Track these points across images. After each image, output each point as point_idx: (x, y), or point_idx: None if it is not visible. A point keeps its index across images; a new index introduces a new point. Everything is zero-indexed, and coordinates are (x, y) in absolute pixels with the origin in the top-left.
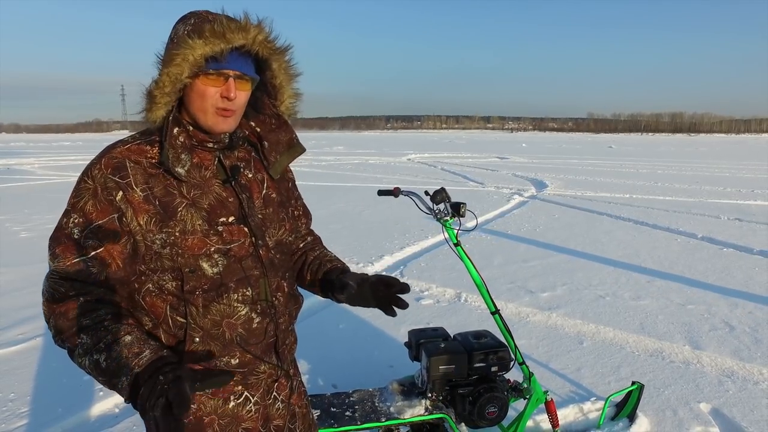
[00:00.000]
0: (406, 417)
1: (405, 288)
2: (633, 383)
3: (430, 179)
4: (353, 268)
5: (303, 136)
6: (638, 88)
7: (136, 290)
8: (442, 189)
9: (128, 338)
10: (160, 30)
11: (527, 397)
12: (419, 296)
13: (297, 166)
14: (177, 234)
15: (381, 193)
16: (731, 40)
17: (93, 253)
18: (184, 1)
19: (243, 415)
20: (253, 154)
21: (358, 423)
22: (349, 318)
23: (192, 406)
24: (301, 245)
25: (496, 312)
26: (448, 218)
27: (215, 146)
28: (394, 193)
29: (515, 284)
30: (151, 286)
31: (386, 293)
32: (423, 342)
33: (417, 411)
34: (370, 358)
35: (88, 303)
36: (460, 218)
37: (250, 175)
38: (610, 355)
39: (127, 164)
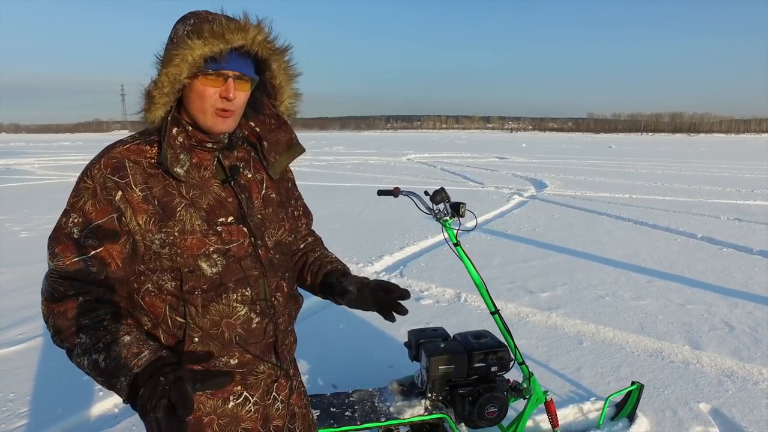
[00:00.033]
0: (405, 417)
1: (405, 294)
2: (633, 383)
3: (429, 179)
4: (353, 268)
5: (303, 136)
6: (638, 88)
7: (135, 290)
8: (442, 189)
9: (127, 338)
10: (160, 30)
11: (527, 397)
12: (419, 296)
13: (297, 166)
14: (176, 234)
15: (381, 193)
16: (731, 40)
17: (93, 252)
18: (184, 1)
19: (242, 415)
20: (252, 154)
21: (358, 423)
22: (349, 318)
23: None
24: (302, 246)
25: (495, 312)
26: (447, 218)
27: (214, 146)
28: (394, 193)
29: (515, 284)
30: (150, 286)
31: (386, 298)
32: (423, 342)
33: (417, 411)
34: (370, 358)
35: (88, 302)
36: (460, 218)
37: (249, 175)
38: (610, 355)
39: (127, 164)
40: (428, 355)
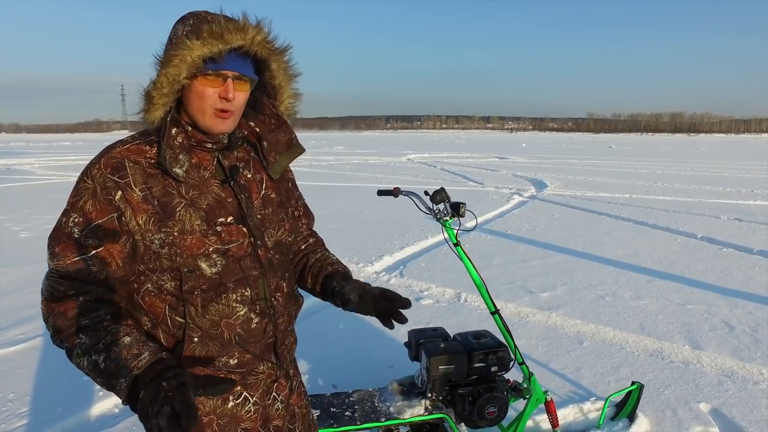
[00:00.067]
0: (405, 417)
1: (406, 304)
2: (633, 383)
3: (429, 179)
4: (353, 268)
5: (303, 136)
6: (638, 88)
7: (135, 290)
8: (442, 189)
9: (127, 339)
10: (160, 30)
11: (527, 397)
12: (419, 296)
13: (297, 166)
14: (175, 234)
15: (381, 193)
16: (731, 40)
17: (93, 252)
18: (184, 1)
19: (242, 415)
20: (252, 154)
21: (358, 423)
22: (349, 318)
23: None
24: (303, 247)
25: (495, 312)
26: (447, 218)
27: (214, 147)
28: (394, 193)
29: (515, 284)
30: (150, 286)
31: (387, 306)
32: (423, 342)
33: (417, 411)
34: (370, 358)
35: (88, 303)
36: (460, 218)
37: (249, 176)
38: (610, 355)
39: (126, 164)
40: (428, 355)
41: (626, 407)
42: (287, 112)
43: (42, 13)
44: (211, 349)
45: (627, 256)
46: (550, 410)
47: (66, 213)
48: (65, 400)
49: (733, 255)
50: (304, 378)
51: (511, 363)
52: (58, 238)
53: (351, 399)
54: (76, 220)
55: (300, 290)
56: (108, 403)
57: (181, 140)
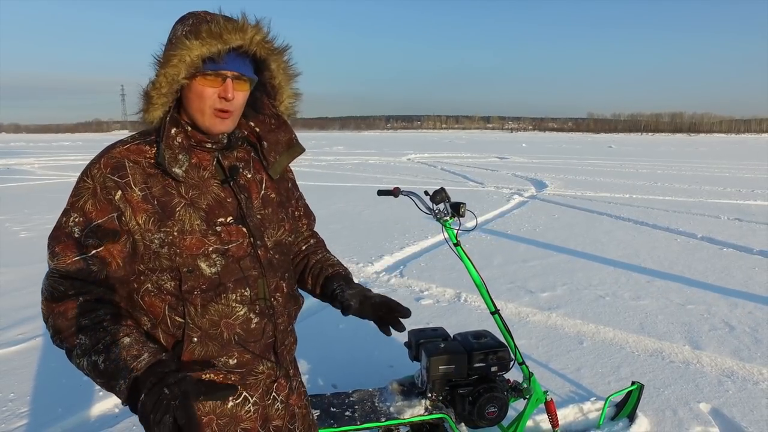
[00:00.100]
0: (405, 417)
1: (406, 313)
2: (633, 383)
3: (430, 179)
4: (353, 268)
5: (303, 136)
6: (638, 88)
7: (135, 290)
8: (442, 189)
9: (127, 340)
10: (159, 30)
11: (527, 397)
12: (419, 296)
13: (297, 166)
14: (175, 234)
15: (381, 193)
16: (731, 40)
17: (93, 251)
18: (184, 1)
19: (242, 415)
20: (252, 154)
21: (358, 423)
22: (349, 318)
23: None
24: (304, 248)
25: (495, 312)
26: (447, 218)
27: (213, 146)
28: (394, 193)
29: (515, 284)
30: (150, 285)
31: (386, 315)
32: (423, 342)
33: (417, 411)
34: (370, 358)
35: (88, 303)
36: (460, 218)
37: (249, 176)
38: (610, 355)
39: (126, 164)
40: (428, 355)
41: (626, 407)
42: (287, 111)
43: (42, 13)
44: (211, 349)
45: (627, 256)
46: (550, 410)
47: (66, 213)
48: (65, 400)
49: (733, 255)
50: (304, 378)
51: (511, 363)
52: (58, 237)
53: (351, 399)
54: (76, 219)
55: (300, 290)
56: (108, 403)
57: (180, 140)
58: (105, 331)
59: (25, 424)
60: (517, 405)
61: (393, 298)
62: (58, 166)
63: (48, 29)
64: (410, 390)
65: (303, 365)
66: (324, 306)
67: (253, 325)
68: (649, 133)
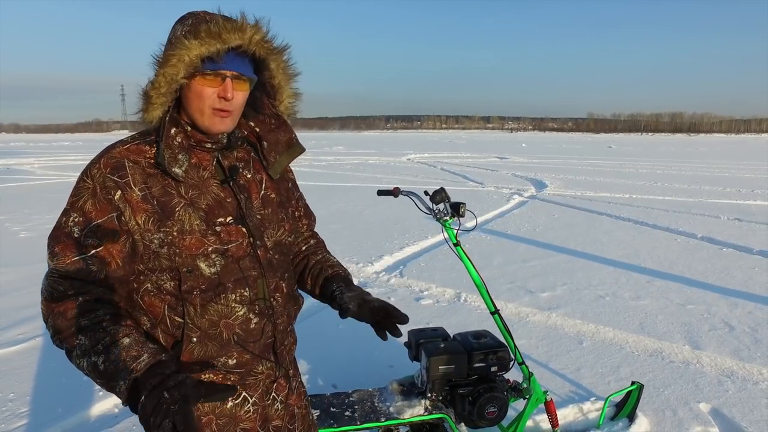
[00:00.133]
0: (405, 417)
1: (404, 319)
2: (633, 383)
3: (430, 179)
4: (353, 268)
5: (303, 136)
6: (638, 88)
7: (134, 290)
8: (442, 189)
9: (126, 340)
10: (159, 30)
11: (527, 397)
12: (419, 296)
13: (297, 166)
14: (175, 234)
15: (381, 193)
16: (731, 40)
17: (93, 251)
18: (184, 1)
19: (241, 415)
20: (252, 154)
21: (358, 423)
22: (349, 319)
23: None
24: (304, 248)
25: (495, 312)
26: (447, 218)
27: (213, 146)
28: (394, 193)
29: (515, 284)
30: (149, 285)
31: (383, 320)
32: (423, 342)
33: (417, 411)
34: (370, 358)
35: (87, 303)
36: (460, 218)
37: (249, 176)
38: (610, 355)
39: (126, 164)
40: (428, 355)
41: (626, 407)
42: (287, 111)
43: (42, 13)
44: (210, 349)
45: (627, 256)
46: (550, 410)
47: (66, 212)
48: (65, 400)
49: (733, 255)
50: (304, 378)
51: (511, 363)
52: (57, 237)
53: (351, 399)
54: (76, 219)
55: (300, 291)
56: (108, 403)
57: (180, 140)
58: (104, 332)
59: (25, 424)
60: (517, 405)
61: (391, 303)
62: (58, 166)
63: (48, 29)
64: (410, 390)
65: (303, 365)
66: (324, 306)
67: (252, 326)
68: (649, 133)
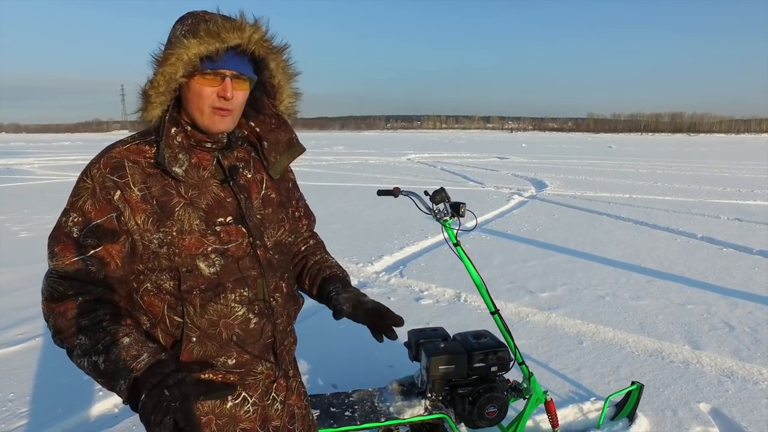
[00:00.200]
0: (405, 417)
1: (398, 322)
2: (633, 383)
3: (429, 179)
4: (353, 268)
5: (303, 136)
6: (638, 88)
7: (134, 289)
8: (442, 189)
9: (126, 340)
10: (159, 30)
11: (527, 397)
12: (419, 296)
13: (297, 166)
14: (174, 233)
15: (381, 193)
16: (731, 40)
17: (92, 252)
18: (184, 1)
19: (241, 415)
20: (252, 154)
21: (358, 423)
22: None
23: None
24: (303, 248)
25: (495, 312)
26: (447, 218)
27: (213, 146)
28: (394, 193)
29: (515, 284)
30: (149, 285)
31: (378, 321)
32: (423, 342)
33: (417, 411)
34: (370, 358)
35: (87, 303)
36: (460, 218)
37: (249, 176)
38: (610, 355)
39: (126, 164)
40: (428, 355)
41: (626, 407)
42: (287, 111)
43: (42, 13)
44: (210, 348)
45: (627, 256)
46: (550, 410)
47: (66, 213)
48: (65, 400)
49: (733, 255)
50: (304, 378)
51: (511, 363)
52: (57, 237)
53: (351, 399)
54: (76, 219)
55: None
56: (108, 403)
57: (180, 140)
58: (104, 332)
59: (25, 424)
60: (517, 405)
61: (391, 303)
62: (58, 166)
63: (48, 29)
64: (410, 390)
65: (303, 365)
66: (324, 306)
67: (252, 326)
68: (649, 133)
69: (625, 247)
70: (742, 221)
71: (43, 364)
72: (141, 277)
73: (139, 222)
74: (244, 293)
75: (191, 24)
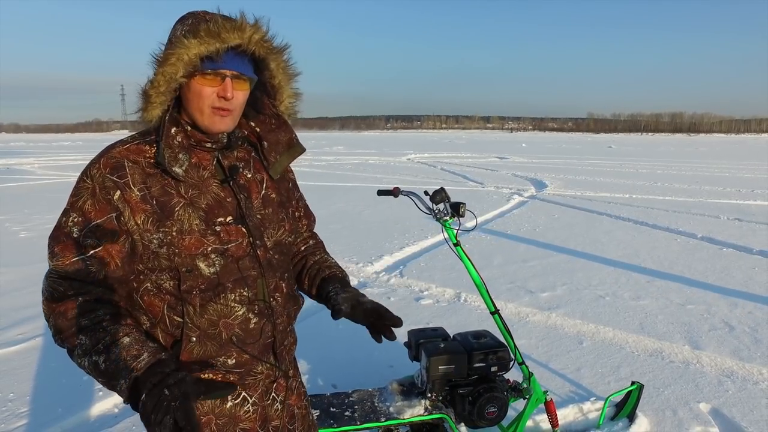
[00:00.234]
0: (405, 417)
1: (397, 323)
2: (632, 383)
3: (429, 179)
4: (353, 268)
5: (303, 136)
6: (638, 88)
7: (134, 289)
8: (442, 189)
9: (126, 340)
10: (159, 30)
11: (527, 397)
12: (419, 296)
13: (297, 166)
14: (174, 233)
15: (381, 193)
16: (731, 40)
17: (92, 252)
18: (184, 1)
19: (241, 415)
20: (252, 154)
21: (358, 423)
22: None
23: None
24: (303, 248)
25: (495, 312)
26: (447, 218)
27: (213, 146)
28: (394, 193)
29: (515, 284)
30: (149, 285)
31: (376, 322)
32: (423, 342)
33: (417, 411)
34: (369, 358)
35: (87, 303)
36: (460, 218)
37: (249, 175)
38: (610, 355)
39: (126, 164)
40: (428, 355)
41: (626, 407)
42: (287, 111)
43: (42, 13)
44: (209, 348)
45: (627, 256)
46: (550, 410)
47: (66, 213)
48: (65, 400)
49: (733, 255)
50: (304, 378)
51: (511, 363)
52: (57, 237)
53: (351, 399)
54: (76, 219)
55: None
56: (108, 403)
57: (180, 140)
58: (105, 331)
59: (25, 424)
60: (517, 405)
61: (390, 304)
62: (58, 166)
63: (48, 29)
64: (410, 390)
65: (303, 365)
66: (324, 306)
67: (251, 326)
68: (649, 133)
69: (625, 247)
70: (742, 221)
71: (43, 364)
72: (141, 277)
73: (138, 222)
74: (244, 293)
75: (192, 24)
